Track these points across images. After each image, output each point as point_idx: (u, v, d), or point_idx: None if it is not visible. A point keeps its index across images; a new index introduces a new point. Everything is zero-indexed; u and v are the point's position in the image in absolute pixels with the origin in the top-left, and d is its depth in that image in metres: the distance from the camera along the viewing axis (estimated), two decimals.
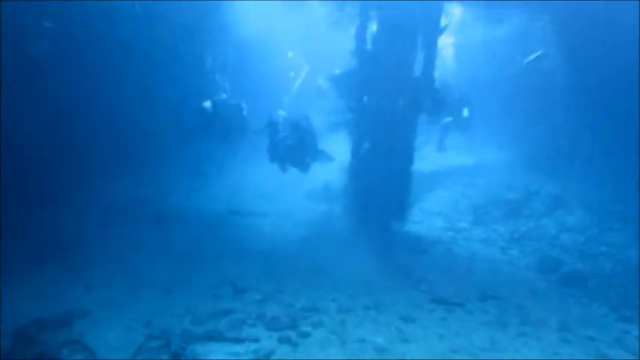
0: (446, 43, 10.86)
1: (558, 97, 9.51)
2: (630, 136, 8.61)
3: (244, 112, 9.97)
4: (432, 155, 11.72)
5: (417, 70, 7.64)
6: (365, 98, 7.46)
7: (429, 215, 9.53)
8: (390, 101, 7.50)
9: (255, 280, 5.88)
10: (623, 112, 8.64)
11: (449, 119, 10.95)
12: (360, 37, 7.50)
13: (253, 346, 4.43)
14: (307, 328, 4.85)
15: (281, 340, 4.57)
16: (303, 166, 8.02)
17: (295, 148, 7.71)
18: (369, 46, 7.47)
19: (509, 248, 8.06)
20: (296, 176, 9.29)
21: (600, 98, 8.92)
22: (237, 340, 4.48)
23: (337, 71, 7.56)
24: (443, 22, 7.93)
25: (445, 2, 7.94)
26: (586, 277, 6.85)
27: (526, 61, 6.93)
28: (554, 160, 10.25)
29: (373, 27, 7.50)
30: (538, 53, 6.89)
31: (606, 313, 6.01)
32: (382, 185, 7.68)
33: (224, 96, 9.40)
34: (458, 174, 11.07)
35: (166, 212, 8.19)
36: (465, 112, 11.25)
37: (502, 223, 9.00)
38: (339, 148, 8.12)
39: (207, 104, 9.22)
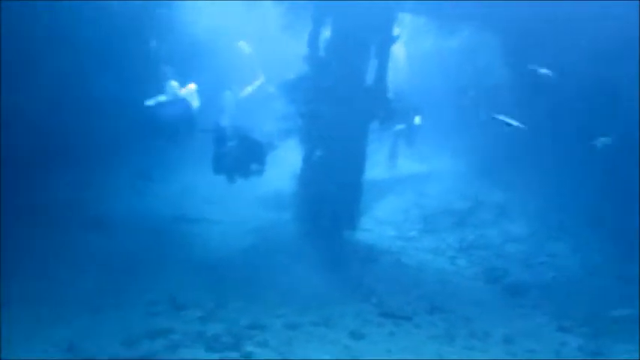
0: (399, 51, 10.89)
1: (506, 107, 9.74)
2: (567, 148, 8.96)
3: (191, 110, 9.57)
4: (384, 163, 11.75)
5: (370, 78, 7.55)
6: (317, 105, 7.26)
7: (380, 224, 9.45)
8: (341, 109, 7.34)
9: (197, 294, 5.52)
10: (566, 124, 8.98)
11: (401, 126, 11.02)
12: (313, 43, 7.31)
13: None
14: (251, 348, 4.57)
15: None
16: (251, 174, 7.67)
17: (243, 159, 7.33)
18: (321, 53, 7.29)
19: (458, 258, 8.11)
20: (249, 181, 9.03)
21: (544, 111, 9.24)
22: None
23: (289, 76, 7.31)
24: (396, 31, 7.91)
25: (398, 11, 7.91)
26: (528, 287, 6.98)
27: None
28: (499, 169, 10.53)
29: (326, 33, 7.33)
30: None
31: (546, 323, 6.11)
32: (333, 193, 7.50)
33: (173, 93, 8.94)
34: (410, 182, 11.12)
35: (104, 217, 7.60)
36: (417, 119, 11.38)
37: (451, 232, 9.07)
38: (290, 155, 7.88)
39: (152, 102, 8.75)
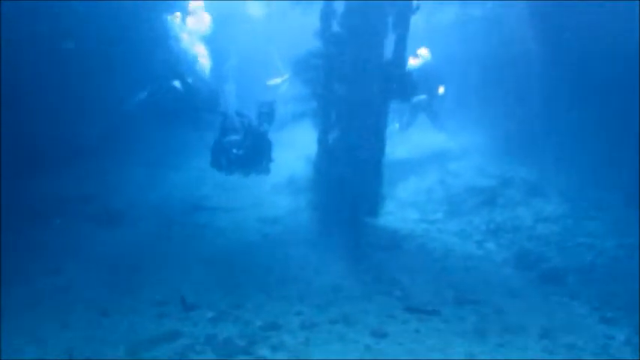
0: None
1: (534, 82, 8.93)
2: (605, 122, 8.15)
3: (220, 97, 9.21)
4: (402, 138, 11.08)
5: (388, 52, 6.89)
6: (331, 84, 6.67)
7: (402, 206, 8.88)
8: (358, 87, 6.74)
9: (209, 292, 5.15)
10: (598, 100, 8.15)
11: (422, 97, 10.29)
12: (326, 17, 6.66)
13: None
14: (265, 352, 4.18)
15: None
16: (256, 170, 7.11)
17: (246, 156, 6.76)
18: (335, 27, 6.65)
19: (485, 241, 7.51)
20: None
21: (576, 85, 8.40)
22: None
23: (300, 54, 6.70)
24: (415, 1, 7.18)
25: None
26: (565, 272, 6.37)
27: None
28: (529, 145, 9.75)
29: (339, 6, 6.67)
30: None
31: (588, 313, 5.52)
32: (352, 178, 6.97)
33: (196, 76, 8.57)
34: (433, 159, 10.45)
35: (117, 210, 7.30)
36: (441, 89, 10.64)
37: (477, 214, 8.43)
38: (305, 139, 7.35)
39: (177, 83, 8.38)
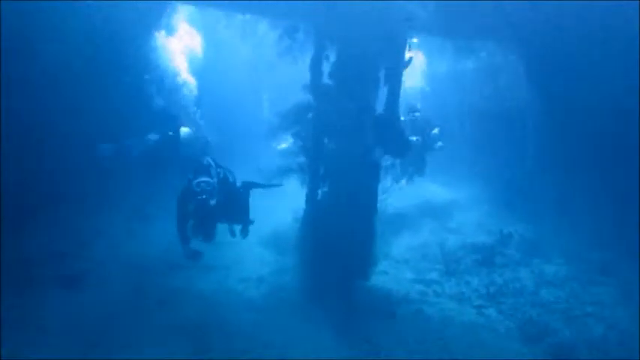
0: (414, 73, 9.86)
1: (530, 134, 8.61)
2: (608, 177, 7.75)
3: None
4: (396, 189, 10.59)
5: (380, 106, 6.53)
6: (325, 140, 6.23)
7: (396, 264, 8.29)
8: (349, 142, 6.31)
9: None
10: (598, 151, 7.80)
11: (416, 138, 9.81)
12: (315, 69, 6.32)
13: None
14: None
15: None
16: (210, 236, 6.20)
17: (217, 211, 5.96)
18: (325, 80, 6.29)
19: (486, 307, 6.87)
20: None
21: (574, 136, 8.08)
22: None
23: (289, 107, 6.30)
24: (408, 54, 6.91)
25: (410, 32, 6.93)
26: (576, 347, 5.73)
27: None
28: (526, 199, 9.33)
29: (330, 57, 6.35)
30: None
31: None
32: (342, 238, 6.41)
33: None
34: (427, 213, 9.97)
35: (85, 270, 6.61)
36: (436, 130, 10.17)
37: (475, 274, 7.85)
38: (292, 195, 6.80)
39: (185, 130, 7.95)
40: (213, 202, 5.78)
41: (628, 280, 6.86)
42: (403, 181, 9.98)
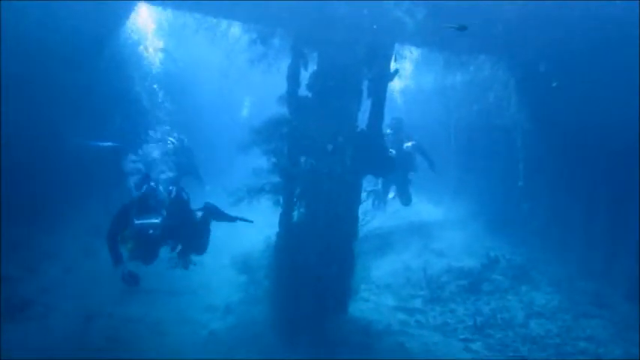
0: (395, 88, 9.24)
1: (519, 152, 8.10)
2: (603, 198, 7.29)
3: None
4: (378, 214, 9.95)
5: (363, 122, 5.91)
6: (297, 156, 5.57)
7: (377, 289, 7.64)
8: (328, 160, 5.66)
9: None
10: (592, 170, 7.33)
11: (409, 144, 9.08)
12: (292, 79, 5.67)
13: None
14: None
15: None
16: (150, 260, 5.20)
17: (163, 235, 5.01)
18: (302, 91, 5.65)
19: (472, 341, 6.27)
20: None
21: (567, 155, 7.60)
22: None
23: (262, 121, 5.61)
24: (393, 65, 6.32)
25: (397, 42, 6.34)
26: None
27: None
28: (514, 221, 8.81)
29: (309, 67, 5.71)
30: None
31: None
32: (318, 266, 5.73)
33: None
34: (409, 234, 9.36)
35: (26, 300, 5.79)
36: (409, 144, 9.44)
37: (461, 302, 7.26)
38: (264, 219, 6.10)
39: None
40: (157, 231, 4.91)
41: (624, 314, 6.36)
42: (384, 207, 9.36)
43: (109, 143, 6.54)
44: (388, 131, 8.58)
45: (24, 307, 5.62)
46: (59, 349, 5.05)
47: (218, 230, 6.59)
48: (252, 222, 5.70)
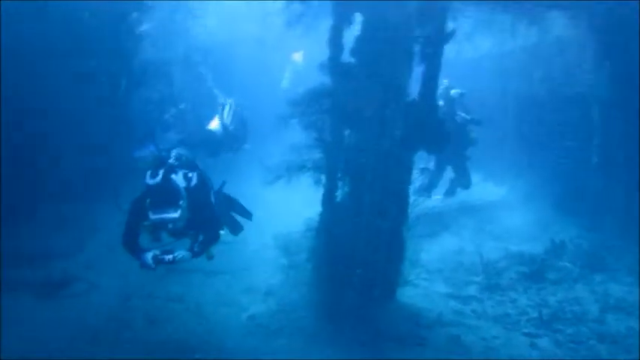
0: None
1: (596, 126, 7.03)
2: None
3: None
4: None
5: (414, 91, 5.19)
6: (340, 130, 4.98)
7: (428, 274, 6.98)
8: (375, 134, 5.02)
9: None
10: None
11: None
12: (335, 45, 5.02)
13: None
14: None
15: None
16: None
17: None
18: (346, 57, 4.99)
19: (539, 336, 5.52)
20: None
21: None
22: None
23: (301, 91, 5.04)
24: (449, 26, 5.49)
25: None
26: None
27: None
28: (584, 199, 7.78)
29: (353, 30, 5.04)
30: None
31: None
32: (365, 249, 5.19)
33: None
34: (465, 215, 8.57)
35: (71, 275, 5.72)
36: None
37: (522, 291, 6.46)
38: (305, 198, 5.61)
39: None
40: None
41: None
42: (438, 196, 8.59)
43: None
44: (441, 103, 7.75)
45: (67, 283, 5.52)
46: (98, 328, 4.92)
47: (260, 210, 6.22)
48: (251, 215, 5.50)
